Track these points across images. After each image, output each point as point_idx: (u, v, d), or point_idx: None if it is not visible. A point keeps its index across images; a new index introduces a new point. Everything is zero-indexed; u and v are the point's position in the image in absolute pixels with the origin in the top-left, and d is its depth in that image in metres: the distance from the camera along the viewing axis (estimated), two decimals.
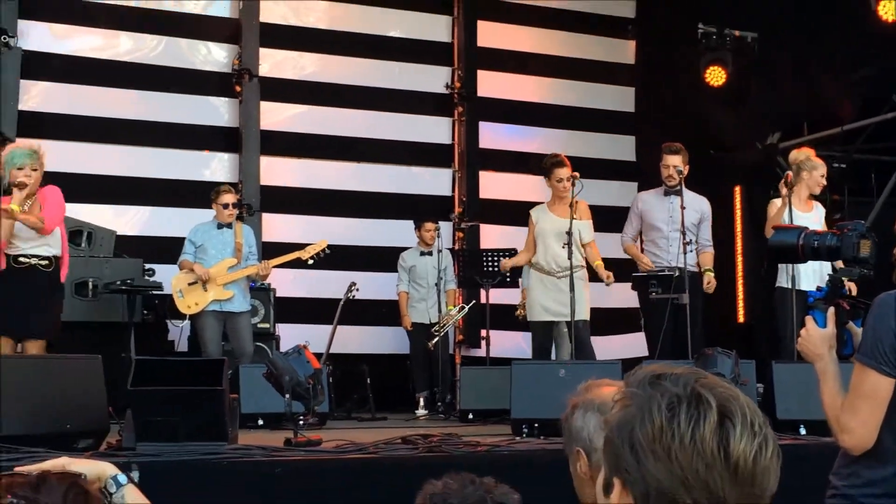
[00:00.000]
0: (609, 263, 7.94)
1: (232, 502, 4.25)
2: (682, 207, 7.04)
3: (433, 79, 11.04)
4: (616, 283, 7.63)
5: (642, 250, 7.57)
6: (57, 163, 7.57)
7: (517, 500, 1.84)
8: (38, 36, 9.62)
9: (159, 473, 3.92)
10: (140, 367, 4.74)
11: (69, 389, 4.98)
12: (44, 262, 6.24)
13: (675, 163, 7.22)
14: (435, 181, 11.01)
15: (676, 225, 7.09)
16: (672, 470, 1.25)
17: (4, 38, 9.14)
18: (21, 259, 6.16)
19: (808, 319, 2.80)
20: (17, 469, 1.96)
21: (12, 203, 6.01)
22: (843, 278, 2.88)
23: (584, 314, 7.45)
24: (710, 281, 7.37)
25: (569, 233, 7.18)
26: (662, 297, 6.97)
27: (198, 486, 4.13)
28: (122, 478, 2.16)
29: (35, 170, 6.17)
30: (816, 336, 2.78)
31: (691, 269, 7.20)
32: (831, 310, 2.78)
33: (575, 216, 7.34)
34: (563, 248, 7.24)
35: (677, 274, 6.97)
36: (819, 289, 2.88)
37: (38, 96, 9.43)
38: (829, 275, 2.95)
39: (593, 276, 7.81)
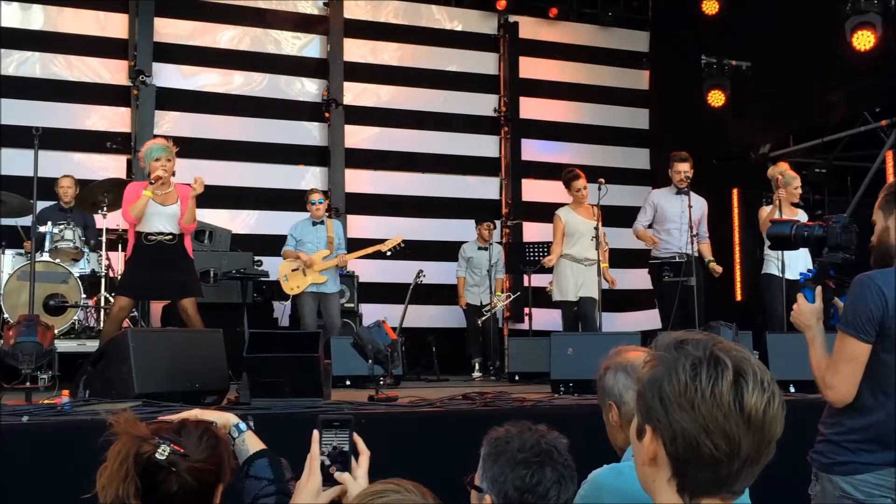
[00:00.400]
0: (626, 253, 7.89)
1: None
2: (689, 206, 6.95)
3: (483, 104, 11.02)
4: (631, 268, 7.56)
5: None
6: (184, 177, 7.67)
7: (565, 444, 1.82)
8: (169, 75, 9.77)
9: (269, 423, 3.94)
10: (254, 338, 4.77)
11: (197, 356, 5.00)
12: (168, 238, 6.08)
13: (684, 168, 7.13)
14: (484, 187, 10.98)
15: (685, 219, 7.00)
16: (695, 419, 1.25)
17: (142, 78, 9.30)
18: (150, 236, 6.03)
19: (800, 297, 2.78)
20: (161, 418, 1.98)
21: (146, 190, 5.96)
22: (829, 262, 2.84)
23: (596, 293, 7.32)
24: (715, 268, 7.29)
25: (596, 228, 7.14)
26: (674, 280, 6.88)
27: (299, 435, 4.16)
28: (243, 426, 2.19)
29: (169, 160, 6.06)
30: (807, 310, 2.76)
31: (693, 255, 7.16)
32: (819, 288, 2.75)
33: (593, 217, 7.31)
34: (592, 240, 7.16)
35: (686, 260, 6.89)
36: (809, 271, 2.84)
37: (169, 123, 9.58)
38: (817, 259, 2.90)
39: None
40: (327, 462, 1.81)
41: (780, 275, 6.71)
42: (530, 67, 11.16)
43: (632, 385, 2.06)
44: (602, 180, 7.22)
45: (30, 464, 3.72)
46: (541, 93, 11.18)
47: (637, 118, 11.54)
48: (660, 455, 1.31)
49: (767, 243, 6.18)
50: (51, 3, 9.44)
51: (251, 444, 2.16)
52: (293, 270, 7.78)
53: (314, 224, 7.93)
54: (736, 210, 9.62)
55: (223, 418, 2.10)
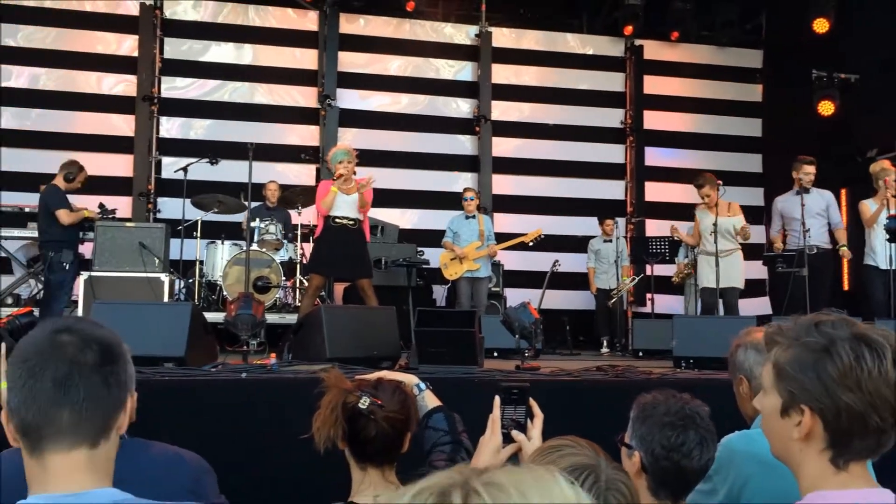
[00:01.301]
0: (748, 246, 7.58)
1: (481, 406, 4.29)
2: (802, 205, 6.58)
3: (611, 117, 10.78)
4: (746, 260, 7.22)
5: (784, 237, 7.12)
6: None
7: (707, 411, 1.76)
8: (350, 98, 10.07)
9: (434, 385, 4.02)
10: (422, 315, 4.82)
11: (375, 329, 5.10)
12: (351, 222, 6.25)
13: (810, 170, 6.76)
14: (611, 189, 10.73)
15: (807, 216, 6.64)
16: (862, 397, 1.18)
17: (328, 101, 9.63)
18: (336, 219, 6.20)
19: None
20: (359, 376, 2.05)
21: (333, 186, 6.18)
22: None
23: (736, 283, 7.03)
24: (845, 252, 6.88)
25: (715, 224, 6.85)
26: (787, 270, 6.52)
27: (459, 395, 4.18)
28: (423, 385, 2.22)
29: (350, 162, 6.23)
30: None
31: (823, 246, 6.80)
32: None
33: (729, 213, 7.02)
34: (711, 235, 6.90)
35: (798, 252, 6.53)
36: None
37: (350, 138, 9.84)
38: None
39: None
40: (506, 424, 1.79)
41: (884, 266, 6.29)
42: (653, 84, 10.84)
43: (762, 361, 1.98)
44: (720, 182, 6.96)
45: (246, 410, 3.92)
46: (663, 106, 10.83)
47: (751, 127, 11.01)
48: (815, 430, 1.24)
49: (886, 236, 5.80)
50: (258, 43, 9.93)
51: (430, 400, 2.19)
52: (451, 259, 7.88)
53: (467, 218, 7.99)
54: (844, 208, 9.03)
55: (407, 378, 2.15)
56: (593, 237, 9.29)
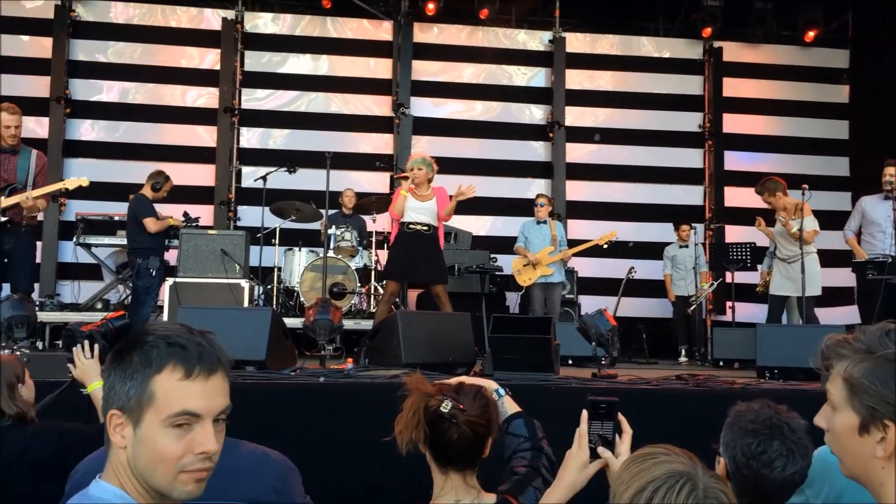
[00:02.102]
0: (829, 254, 7.29)
1: (559, 413, 4.23)
2: (894, 210, 6.29)
3: (689, 121, 10.55)
4: (833, 267, 6.94)
5: (859, 241, 6.82)
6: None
7: (802, 425, 1.70)
8: (423, 106, 10.16)
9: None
10: (496, 321, 4.78)
11: (450, 334, 5.08)
12: (425, 228, 6.25)
13: (890, 172, 6.45)
14: (689, 195, 10.50)
15: (891, 223, 6.34)
16: None
17: (402, 110, 9.73)
18: (410, 225, 6.23)
19: None
20: (438, 381, 2.05)
21: (402, 190, 6.20)
22: None
23: (813, 290, 6.74)
24: None
25: (799, 229, 6.61)
26: (877, 278, 6.24)
27: (535, 402, 4.14)
28: (502, 391, 2.20)
29: (420, 169, 6.24)
30: None
31: None
32: None
33: (796, 216, 6.70)
34: (794, 242, 6.66)
35: (890, 260, 6.23)
36: None
37: (423, 145, 9.94)
38: None
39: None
40: (592, 439, 1.74)
41: None
42: (733, 87, 10.56)
43: None
44: (805, 186, 6.72)
45: (325, 414, 3.99)
46: (743, 109, 10.54)
47: (837, 129, 10.60)
48: None
49: None
50: (334, 53, 10.13)
51: (509, 406, 2.18)
52: (524, 266, 7.85)
53: (538, 223, 7.96)
54: None
55: (487, 383, 2.14)
56: (669, 244, 9.11)
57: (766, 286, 8.51)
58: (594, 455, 1.73)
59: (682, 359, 8.49)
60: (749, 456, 1.65)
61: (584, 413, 1.76)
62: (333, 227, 7.86)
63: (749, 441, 1.66)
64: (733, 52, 10.60)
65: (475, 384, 2.01)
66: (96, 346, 3.05)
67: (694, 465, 1.23)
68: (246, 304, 6.64)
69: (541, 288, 7.75)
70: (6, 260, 5.90)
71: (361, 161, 9.80)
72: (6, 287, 6.03)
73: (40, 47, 9.53)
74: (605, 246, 7.99)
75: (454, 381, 2.02)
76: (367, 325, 7.07)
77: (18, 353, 3.68)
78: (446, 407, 1.86)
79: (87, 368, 2.98)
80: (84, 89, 9.64)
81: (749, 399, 1.74)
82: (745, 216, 9.66)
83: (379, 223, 8.37)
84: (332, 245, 7.72)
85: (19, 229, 5.93)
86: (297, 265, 7.87)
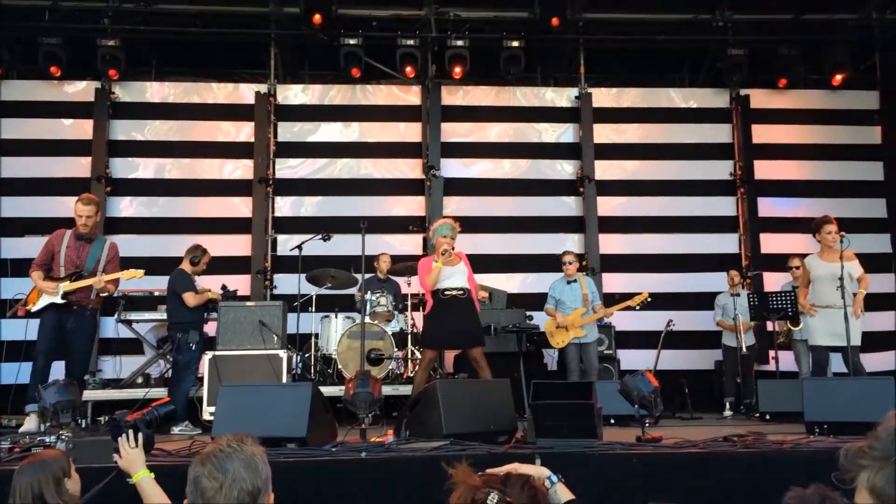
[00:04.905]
0: (870, 297, 7.12)
1: (604, 482, 4.14)
2: None
3: (720, 169, 10.49)
4: (875, 311, 6.74)
5: None
6: (467, 247, 7.97)
7: None
8: (453, 167, 10.26)
9: (553, 460, 3.92)
10: (537, 388, 4.73)
11: (490, 402, 5.04)
12: (460, 292, 6.33)
13: None
14: (723, 243, 10.36)
15: None
16: None
17: (433, 172, 9.86)
18: (445, 292, 6.30)
19: None
20: (488, 471, 2.01)
21: (436, 262, 6.27)
22: None
23: (855, 339, 6.56)
24: None
25: (841, 277, 6.47)
26: None
27: (579, 469, 4.06)
28: (554, 478, 2.16)
29: (453, 238, 6.36)
30: None
31: None
32: None
33: (843, 261, 6.57)
34: (837, 289, 6.51)
35: None
36: None
37: (455, 205, 10.02)
38: None
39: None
40: None
41: None
42: (762, 133, 10.52)
43: None
44: (843, 233, 6.62)
45: (369, 490, 3.96)
46: (774, 154, 10.47)
47: (871, 171, 10.46)
48: None
49: None
50: (364, 120, 10.33)
51: (562, 494, 2.14)
52: (557, 328, 7.79)
53: (569, 283, 7.90)
54: None
55: (538, 471, 2.11)
56: (705, 293, 9.04)
57: (785, 335, 8.38)
58: None
59: (727, 412, 8.30)
60: None
61: None
62: (369, 292, 7.91)
63: None
64: (761, 98, 10.59)
65: (524, 474, 1.98)
66: (140, 435, 3.08)
67: None
68: (284, 374, 6.67)
69: (576, 348, 7.68)
70: (67, 339, 6.12)
71: (394, 224, 9.90)
72: (57, 365, 6.19)
73: (81, 129, 9.87)
74: (638, 308, 7.92)
75: (502, 470, 1.99)
76: (405, 389, 7.04)
77: (63, 442, 3.73)
78: (493, 500, 1.83)
79: (133, 458, 3.01)
80: (123, 167, 9.92)
81: (799, 467, 1.69)
82: (781, 263, 9.53)
83: (413, 286, 8.40)
84: (368, 310, 7.75)
85: (84, 312, 6.21)
86: (333, 332, 7.91)
